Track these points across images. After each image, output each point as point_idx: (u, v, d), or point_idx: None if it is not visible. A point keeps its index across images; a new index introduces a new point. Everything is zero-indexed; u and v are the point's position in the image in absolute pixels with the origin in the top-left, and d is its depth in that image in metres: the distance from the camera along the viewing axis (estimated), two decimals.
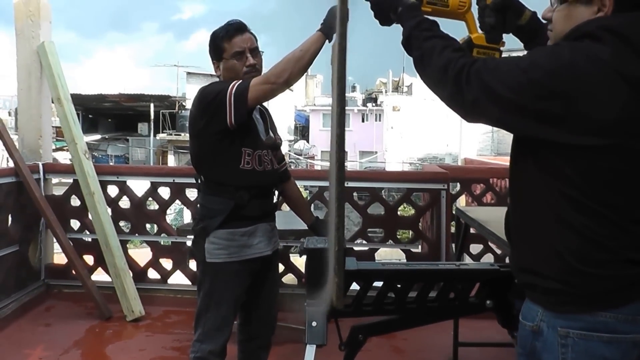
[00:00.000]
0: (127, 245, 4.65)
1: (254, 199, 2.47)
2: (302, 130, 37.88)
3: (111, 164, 25.78)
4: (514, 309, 2.20)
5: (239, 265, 2.47)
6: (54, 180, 4.78)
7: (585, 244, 1.37)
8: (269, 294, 2.67)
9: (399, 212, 4.62)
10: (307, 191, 5.90)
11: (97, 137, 29.65)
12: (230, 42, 2.46)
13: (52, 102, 4.67)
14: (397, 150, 31.46)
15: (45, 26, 4.58)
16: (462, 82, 1.41)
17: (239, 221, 2.45)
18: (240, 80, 2.36)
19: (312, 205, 4.78)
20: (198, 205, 2.62)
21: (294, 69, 2.25)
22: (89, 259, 4.62)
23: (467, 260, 4.45)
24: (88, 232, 4.60)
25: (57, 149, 22.81)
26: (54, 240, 4.55)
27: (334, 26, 1.81)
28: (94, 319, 4.15)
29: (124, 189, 4.65)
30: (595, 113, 1.30)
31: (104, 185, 4.53)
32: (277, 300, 2.76)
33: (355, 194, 4.71)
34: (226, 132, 2.36)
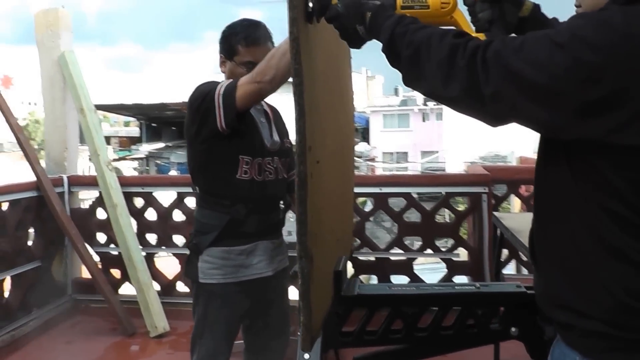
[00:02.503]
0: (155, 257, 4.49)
1: (253, 213, 2.21)
2: (363, 133, 37.57)
3: (173, 171, 26.12)
4: (544, 335, 1.88)
5: (235, 287, 2.23)
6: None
7: (637, 273, 1.06)
8: (275, 320, 2.41)
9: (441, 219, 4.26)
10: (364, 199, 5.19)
11: (161, 145, 30.14)
12: (246, 48, 2.22)
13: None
14: (459, 149, 30.71)
15: (66, 36, 4.49)
16: (477, 70, 1.08)
17: (235, 239, 2.21)
18: (230, 80, 2.12)
19: (373, 217, 4.43)
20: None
21: (280, 65, 1.93)
22: (117, 273, 4.47)
23: (513, 267, 4.06)
24: (114, 245, 4.45)
25: (119, 159, 23.39)
26: None
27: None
28: (118, 335, 3.99)
29: (150, 200, 4.48)
30: None
31: (129, 196, 4.39)
32: (287, 326, 2.49)
33: (415, 195, 4.31)
34: (219, 138, 2.12)
